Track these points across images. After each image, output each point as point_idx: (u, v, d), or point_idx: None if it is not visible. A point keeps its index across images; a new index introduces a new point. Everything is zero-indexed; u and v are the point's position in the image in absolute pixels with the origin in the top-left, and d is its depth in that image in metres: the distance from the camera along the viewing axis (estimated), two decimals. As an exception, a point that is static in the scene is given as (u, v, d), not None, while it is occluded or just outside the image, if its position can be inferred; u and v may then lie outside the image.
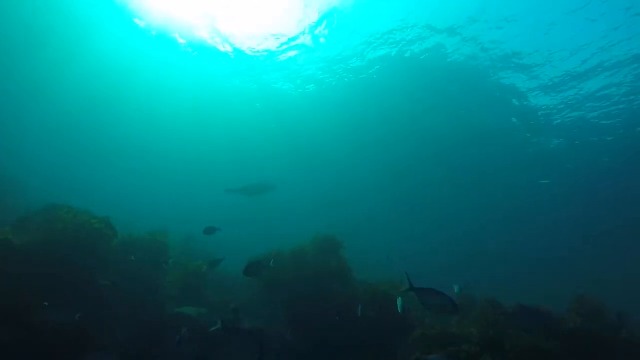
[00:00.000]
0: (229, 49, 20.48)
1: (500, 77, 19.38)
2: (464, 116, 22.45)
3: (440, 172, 28.29)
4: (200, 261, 13.33)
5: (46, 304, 8.74)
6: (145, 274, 13.13)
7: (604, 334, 8.43)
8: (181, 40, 20.15)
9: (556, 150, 23.82)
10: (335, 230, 12.57)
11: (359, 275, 12.07)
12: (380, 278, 11.54)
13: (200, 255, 15.07)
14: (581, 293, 8.96)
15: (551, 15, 15.45)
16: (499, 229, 35.84)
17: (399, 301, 7.24)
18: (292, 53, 20.15)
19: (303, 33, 18.49)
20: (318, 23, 17.72)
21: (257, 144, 29.53)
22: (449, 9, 16.10)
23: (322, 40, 18.90)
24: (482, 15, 16.14)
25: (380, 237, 41.45)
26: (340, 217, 37.35)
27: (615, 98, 18.95)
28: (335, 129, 25.82)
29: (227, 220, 45.12)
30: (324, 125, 25.63)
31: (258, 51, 20.26)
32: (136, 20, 19.05)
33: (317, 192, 36.10)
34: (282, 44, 19.41)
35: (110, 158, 37.21)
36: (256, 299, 12.29)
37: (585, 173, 25.20)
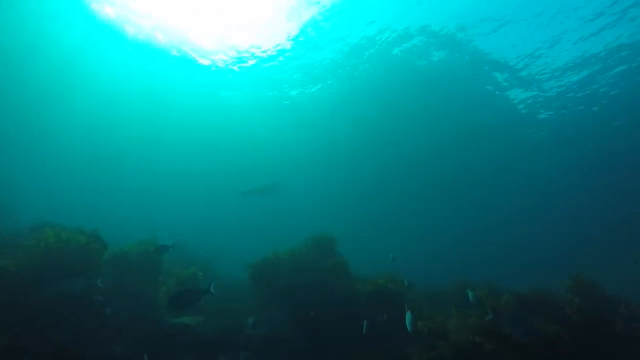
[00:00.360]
0: (207, 62, 20.43)
1: (484, 75, 19.45)
2: (450, 116, 22.39)
3: (433, 174, 28.19)
4: (194, 268, 13.07)
5: None
6: (138, 285, 12.89)
7: (600, 312, 8.53)
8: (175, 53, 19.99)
9: (544, 142, 23.83)
10: (336, 231, 12.49)
11: (360, 271, 12.01)
12: (378, 273, 11.46)
13: (194, 262, 14.78)
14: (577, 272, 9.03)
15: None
16: (497, 228, 35.85)
17: (408, 317, 7.06)
18: (274, 62, 20.08)
19: (284, 41, 18.46)
20: (300, 31, 17.66)
21: (246, 150, 29.15)
22: (428, 10, 16.15)
23: (304, 47, 18.83)
24: (461, 16, 16.27)
25: (383, 238, 41.36)
26: (340, 219, 37.01)
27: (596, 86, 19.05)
28: (328, 134, 25.53)
29: (223, 224, 44.75)
30: (317, 130, 25.30)
31: (240, 60, 20.10)
32: (127, 28, 18.64)
33: (317, 195, 35.63)
34: (264, 51, 19.35)
35: (94, 169, 36.36)
36: (256, 303, 12.10)
37: (577, 164, 25.33)
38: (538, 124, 22.53)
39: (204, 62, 20.53)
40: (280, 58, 19.84)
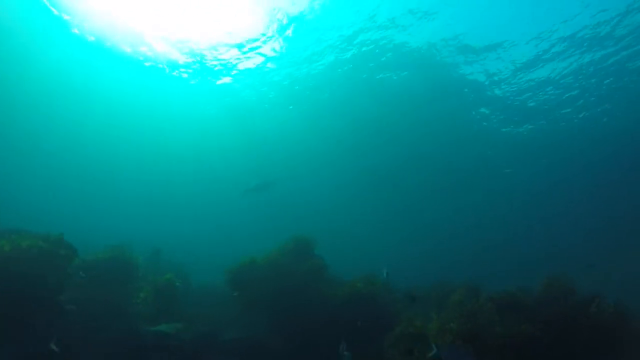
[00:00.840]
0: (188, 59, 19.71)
1: (464, 70, 19.28)
2: (434, 117, 22.26)
3: (418, 175, 28.08)
4: (170, 274, 12.72)
5: None
6: (112, 293, 12.51)
7: (572, 311, 8.77)
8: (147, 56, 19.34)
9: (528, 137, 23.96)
10: (326, 232, 12.38)
11: (350, 270, 11.98)
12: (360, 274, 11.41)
13: (170, 268, 14.40)
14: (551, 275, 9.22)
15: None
16: (488, 228, 35.95)
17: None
18: (255, 61, 19.41)
19: (266, 41, 17.91)
20: (283, 29, 17.09)
21: (222, 154, 28.45)
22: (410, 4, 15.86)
23: (286, 46, 18.31)
24: (440, 11, 15.99)
25: (375, 238, 41.13)
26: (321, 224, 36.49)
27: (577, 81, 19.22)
28: (305, 134, 25.03)
29: (203, 229, 43.78)
30: (295, 131, 24.81)
31: (221, 60, 19.53)
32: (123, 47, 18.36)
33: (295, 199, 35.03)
34: (246, 52, 18.78)
35: (68, 176, 34.75)
36: (235, 308, 11.93)
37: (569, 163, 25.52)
38: (514, 133, 22.92)
39: (175, 73, 20.37)
40: (260, 58, 19.40)
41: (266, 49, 18.41)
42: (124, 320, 12.04)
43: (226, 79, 20.72)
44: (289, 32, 17.26)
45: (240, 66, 19.68)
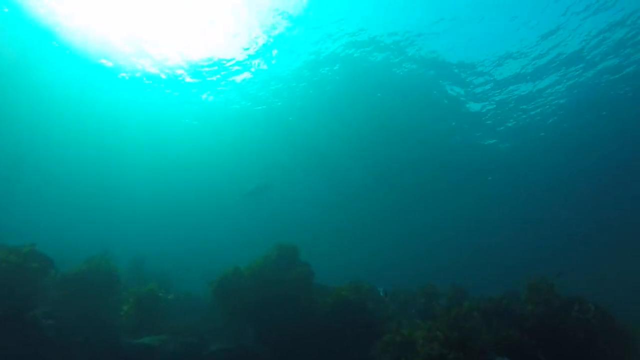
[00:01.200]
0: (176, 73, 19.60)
1: (445, 83, 19.54)
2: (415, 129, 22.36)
3: (403, 181, 28.17)
4: (152, 284, 12.40)
5: None
6: (93, 306, 12.15)
7: (555, 315, 8.92)
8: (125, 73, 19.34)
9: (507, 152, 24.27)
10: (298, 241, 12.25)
11: (342, 275, 11.91)
12: (342, 281, 11.37)
13: (153, 278, 14.07)
14: (534, 281, 9.35)
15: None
16: (481, 232, 36.25)
17: None
18: (244, 75, 19.36)
19: (252, 57, 17.99)
20: (269, 46, 17.30)
21: (208, 164, 27.99)
22: (398, 22, 16.15)
23: (272, 62, 18.45)
24: (424, 29, 16.32)
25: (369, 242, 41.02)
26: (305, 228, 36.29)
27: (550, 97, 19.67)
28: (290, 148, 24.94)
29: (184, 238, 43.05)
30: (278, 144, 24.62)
31: (208, 73, 19.35)
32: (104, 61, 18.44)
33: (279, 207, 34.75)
34: (231, 67, 18.86)
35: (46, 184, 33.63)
36: (221, 319, 11.73)
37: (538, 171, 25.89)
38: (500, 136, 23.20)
39: (157, 86, 20.43)
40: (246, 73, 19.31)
41: (251, 65, 18.54)
42: (106, 334, 11.73)
43: (209, 94, 20.66)
44: (275, 50, 17.57)
45: (224, 81, 19.68)
